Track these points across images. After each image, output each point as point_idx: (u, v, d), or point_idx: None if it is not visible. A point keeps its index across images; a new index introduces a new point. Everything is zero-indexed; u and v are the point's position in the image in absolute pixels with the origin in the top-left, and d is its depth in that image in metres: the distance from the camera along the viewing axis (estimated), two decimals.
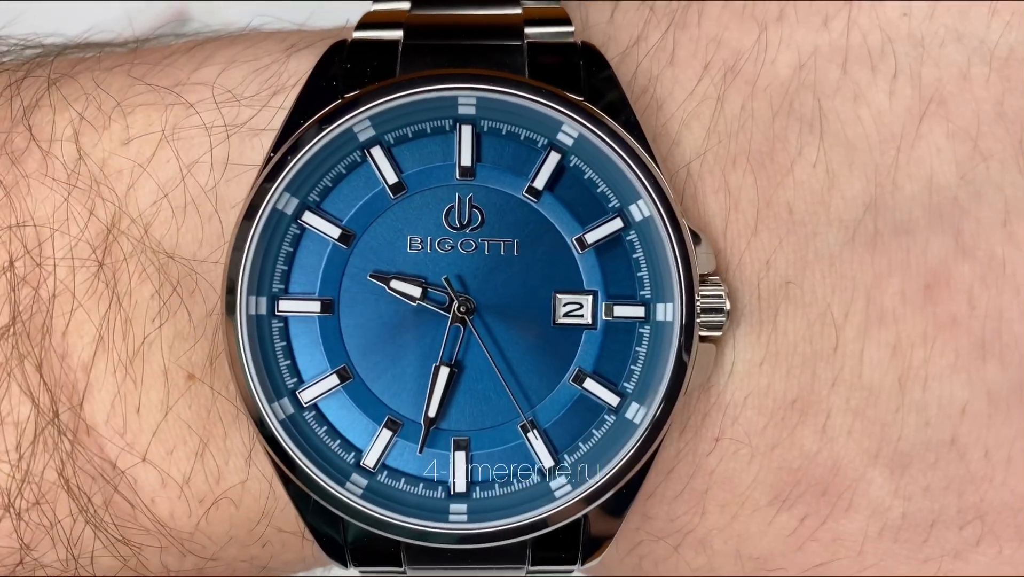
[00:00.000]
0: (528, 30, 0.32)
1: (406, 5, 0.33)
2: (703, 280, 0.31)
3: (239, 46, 0.34)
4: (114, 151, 0.33)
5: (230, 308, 0.31)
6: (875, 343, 0.32)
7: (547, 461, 0.31)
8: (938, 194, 0.32)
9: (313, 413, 0.31)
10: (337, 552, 0.32)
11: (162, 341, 0.32)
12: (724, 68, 0.33)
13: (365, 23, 0.33)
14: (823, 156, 0.33)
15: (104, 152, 0.33)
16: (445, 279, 0.32)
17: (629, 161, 0.31)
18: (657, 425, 0.31)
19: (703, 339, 0.32)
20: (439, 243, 0.31)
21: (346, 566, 0.33)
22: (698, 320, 0.32)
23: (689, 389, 0.32)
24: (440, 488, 0.31)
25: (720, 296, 0.31)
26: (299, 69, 0.33)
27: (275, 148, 0.31)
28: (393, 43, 0.32)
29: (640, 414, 0.31)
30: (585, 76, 0.32)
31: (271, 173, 0.31)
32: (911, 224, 0.32)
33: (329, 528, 0.32)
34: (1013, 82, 0.32)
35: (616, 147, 0.31)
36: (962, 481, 0.32)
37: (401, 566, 0.33)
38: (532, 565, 0.33)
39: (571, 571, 0.34)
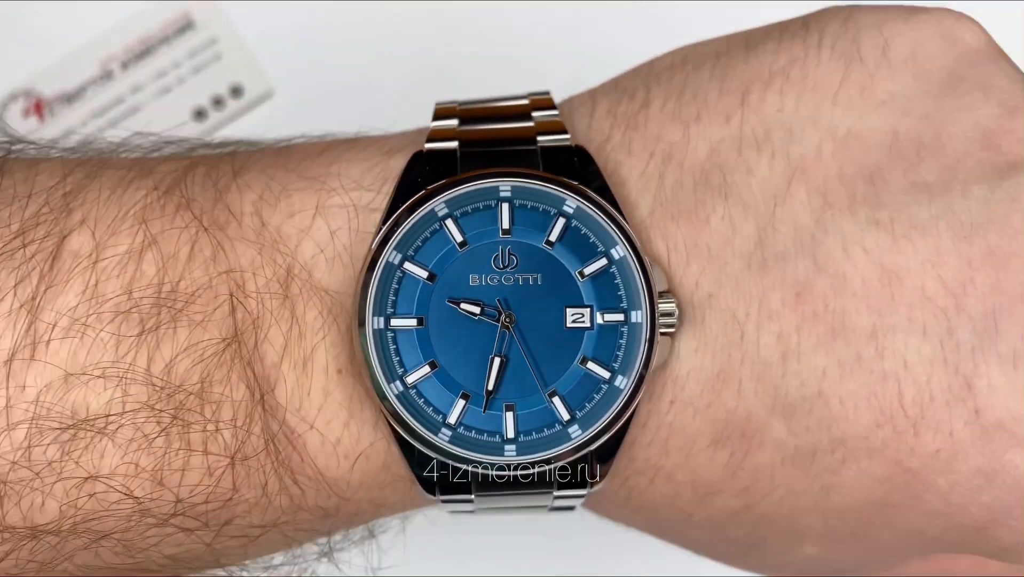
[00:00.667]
0: (539, 138, 0.40)
1: (455, 123, 0.40)
2: (661, 295, 0.39)
3: (354, 151, 0.40)
4: (284, 222, 0.38)
5: (361, 324, 0.38)
6: (766, 333, 0.38)
7: (565, 416, 0.39)
8: (801, 232, 0.38)
9: (415, 390, 0.39)
10: (429, 486, 0.39)
11: (325, 348, 0.38)
12: (663, 155, 0.39)
13: (432, 138, 0.40)
14: (728, 212, 0.39)
15: (278, 222, 0.38)
16: (498, 300, 0.38)
17: (608, 222, 0.39)
18: (635, 390, 0.39)
19: (662, 334, 0.39)
20: (490, 278, 0.39)
21: (434, 495, 0.39)
22: (658, 321, 0.38)
23: (653, 367, 0.38)
24: (497, 436, 0.39)
25: (672, 305, 0.38)
26: (396, 166, 0.40)
27: (384, 222, 0.39)
28: (453, 151, 0.40)
29: (624, 383, 0.39)
30: (579, 168, 0.39)
31: (384, 238, 0.39)
32: (785, 254, 0.38)
33: (423, 469, 0.39)
34: (849, 153, 0.38)
35: (600, 213, 0.39)
36: (829, 421, 0.37)
37: (471, 494, 0.39)
38: (558, 488, 0.39)
39: (583, 494, 0.39)
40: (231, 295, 0.37)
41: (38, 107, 0.59)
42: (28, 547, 0.35)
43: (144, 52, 0.61)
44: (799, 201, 0.38)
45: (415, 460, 0.38)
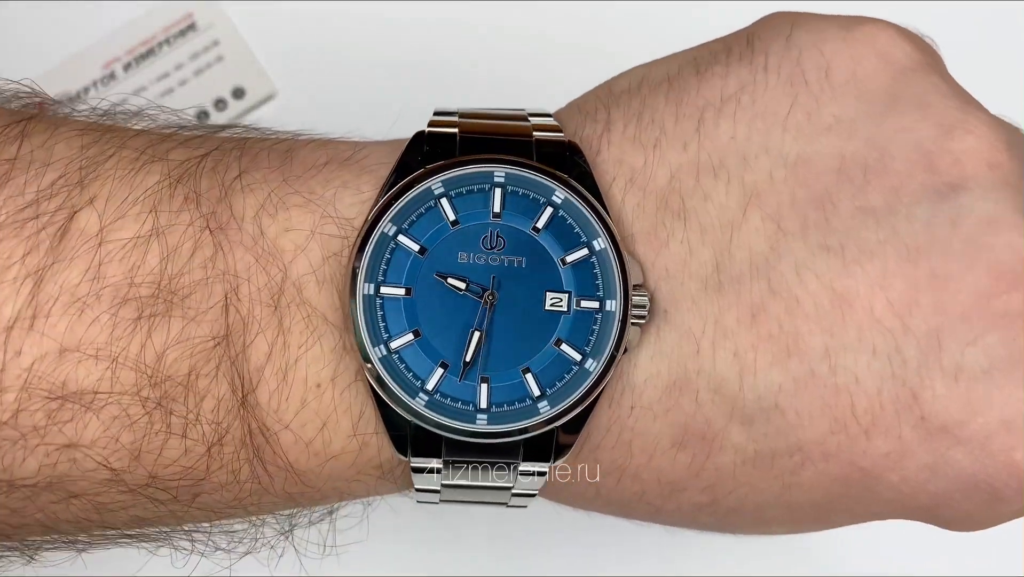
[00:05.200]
0: (535, 134, 0.40)
1: (455, 118, 0.41)
2: (635, 288, 0.39)
3: (352, 172, 0.40)
4: (281, 235, 0.39)
5: (352, 291, 0.39)
6: (722, 349, 0.38)
7: (536, 391, 0.40)
8: (757, 257, 0.38)
9: (397, 355, 0.40)
10: (402, 447, 0.39)
11: (306, 361, 0.39)
12: (625, 180, 0.40)
13: (434, 123, 0.41)
14: (686, 236, 0.39)
15: (275, 233, 0.39)
16: (493, 277, 0.39)
17: (592, 215, 0.40)
18: (603, 373, 0.39)
19: (633, 323, 0.39)
20: (477, 257, 0.40)
21: (406, 455, 0.39)
22: (631, 312, 0.39)
23: (621, 353, 0.39)
24: (471, 404, 0.40)
25: (644, 298, 0.39)
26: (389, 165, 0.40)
27: (382, 195, 0.39)
28: (453, 136, 0.40)
29: (593, 365, 0.39)
30: (570, 162, 0.40)
31: (381, 211, 0.39)
32: (740, 276, 0.38)
33: (399, 430, 0.39)
34: (799, 178, 0.38)
35: (585, 206, 0.40)
36: (786, 429, 0.38)
37: (440, 456, 0.39)
38: (523, 460, 0.40)
39: (545, 470, 0.40)
40: (226, 297, 0.37)
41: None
42: (3, 496, 0.36)
43: (146, 54, 0.60)
44: (754, 227, 0.38)
45: (390, 425, 0.39)
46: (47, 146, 0.36)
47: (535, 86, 0.49)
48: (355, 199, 0.40)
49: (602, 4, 0.61)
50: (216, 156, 0.39)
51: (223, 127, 0.42)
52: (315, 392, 0.38)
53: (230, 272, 0.37)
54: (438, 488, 0.40)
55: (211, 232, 0.37)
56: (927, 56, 0.38)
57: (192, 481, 0.37)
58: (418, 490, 0.40)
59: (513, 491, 0.41)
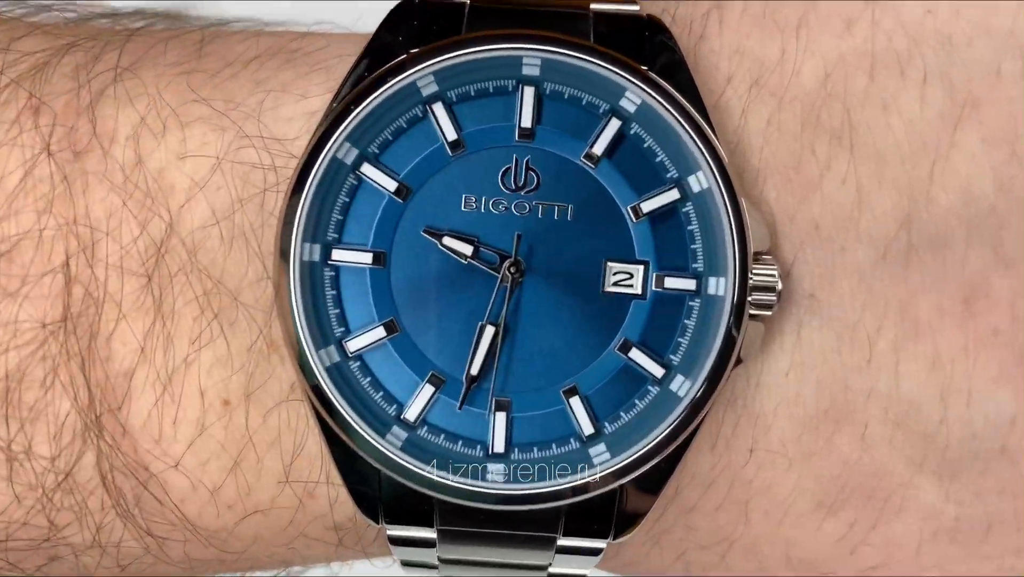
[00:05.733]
0: (594, 5, 0.33)
1: None
2: (757, 257, 0.32)
3: (296, 67, 0.34)
4: (170, 164, 0.33)
5: (284, 253, 0.31)
6: (911, 357, 0.32)
7: (587, 428, 0.32)
8: (975, 205, 0.32)
9: (358, 363, 0.32)
10: (371, 508, 0.32)
11: (200, 364, 0.33)
12: (747, 81, 0.33)
13: None
14: (852, 170, 0.33)
15: (160, 163, 0.33)
16: (518, 236, 0.32)
17: (691, 132, 0.31)
18: (702, 399, 0.31)
19: (752, 317, 0.32)
20: (493, 203, 0.32)
21: (378, 522, 0.33)
22: (750, 297, 0.31)
23: (733, 368, 0.32)
24: (479, 447, 0.32)
25: (773, 275, 0.31)
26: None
27: (338, 98, 0.32)
28: (460, 5, 0.33)
29: (685, 387, 0.32)
30: (649, 47, 0.32)
31: (334, 122, 0.31)
32: (947, 238, 0.32)
33: (364, 483, 0.32)
34: None
35: (679, 116, 0.31)
36: (1016, 486, 0.32)
37: (432, 526, 0.32)
38: (564, 534, 0.33)
39: (601, 548, 0.33)
40: (67, 260, 0.31)
41: None
42: None
43: None
44: (970, 154, 0.32)
45: (349, 462, 0.32)
46: None
47: None
48: (296, 109, 0.34)
49: None
50: (88, 48, 0.34)
51: (116, 13, 0.38)
52: (220, 413, 0.33)
53: (80, 221, 0.32)
54: (434, 563, 0.34)
55: (53, 157, 0.32)
56: None
57: (31, 542, 0.33)
58: (404, 564, 0.35)
59: (550, 570, 0.34)
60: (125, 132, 0.33)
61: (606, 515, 0.33)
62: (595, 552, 0.33)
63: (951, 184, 0.32)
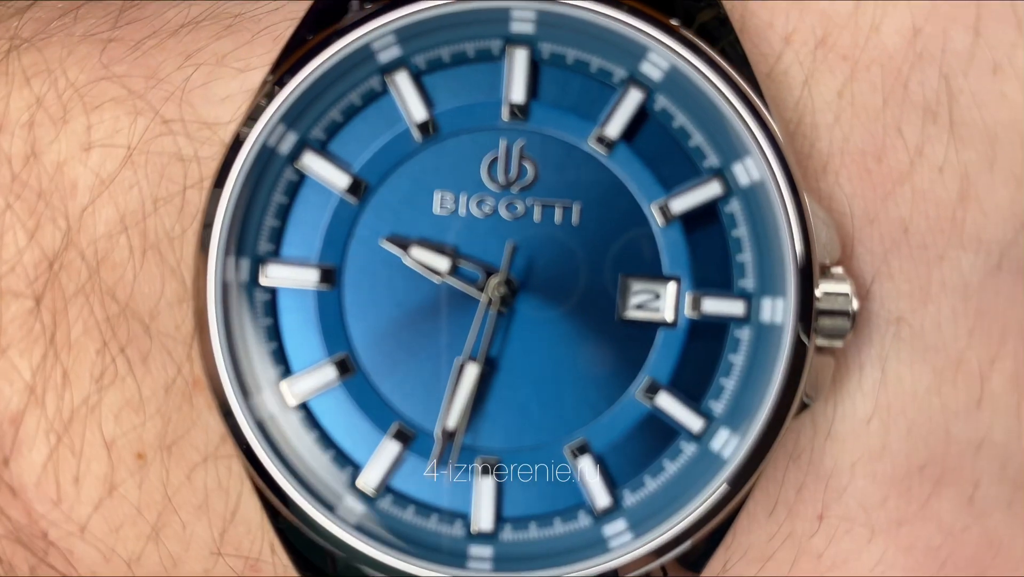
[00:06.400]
0: None
1: None
2: (825, 271, 0.26)
3: (234, 36, 0.30)
4: (71, 156, 0.30)
5: (203, 269, 0.26)
6: None
7: (601, 498, 0.26)
8: None
9: (302, 414, 0.27)
10: None
11: (103, 408, 0.29)
12: (813, 40, 0.29)
13: None
14: (953, 156, 0.28)
15: (59, 155, 0.30)
16: (512, 246, 0.27)
17: (737, 106, 0.26)
18: (752, 462, 0.26)
19: (820, 350, 0.26)
20: (476, 203, 0.27)
21: None
22: (816, 323, 0.26)
23: (793, 412, 0.27)
24: (459, 523, 0.26)
25: (846, 294, 0.26)
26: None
27: (274, 69, 0.26)
28: None
29: (731, 445, 0.26)
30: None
31: (265, 99, 0.26)
32: None
33: (316, 559, 0.27)
34: None
35: (720, 86, 0.26)
36: None
37: None
38: None
39: None
40: None
41: None
42: None
43: None
44: None
45: (293, 540, 0.28)
46: None
47: None
48: (233, 85, 0.29)
49: None
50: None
51: None
52: (132, 469, 0.29)
53: None
54: None
55: None
56: None
57: None
58: None
59: None
60: (17, 118, 0.29)
61: None
62: None
63: None
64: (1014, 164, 0.28)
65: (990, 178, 0.28)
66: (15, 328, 0.30)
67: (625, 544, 0.26)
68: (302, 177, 0.27)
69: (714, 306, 0.27)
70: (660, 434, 0.27)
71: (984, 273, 0.29)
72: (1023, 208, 0.29)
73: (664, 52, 0.26)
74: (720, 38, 0.27)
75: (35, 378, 0.30)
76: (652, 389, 0.27)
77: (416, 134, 0.27)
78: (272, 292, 0.27)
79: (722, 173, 0.26)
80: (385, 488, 0.27)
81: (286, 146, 0.26)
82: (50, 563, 0.31)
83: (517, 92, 0.27)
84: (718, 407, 0.26)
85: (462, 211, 0.27)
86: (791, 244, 0.26)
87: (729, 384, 0.26)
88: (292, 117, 0.26)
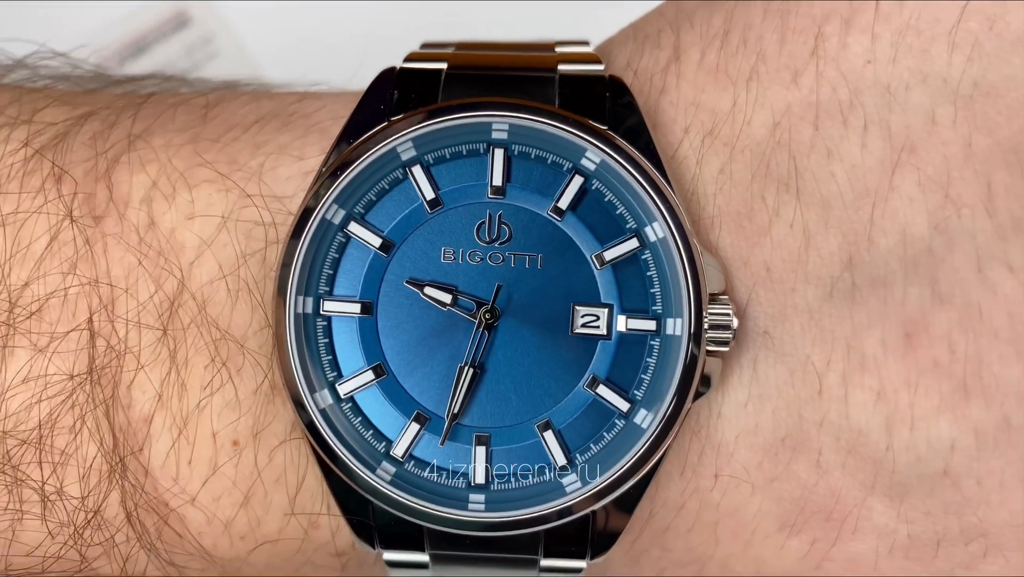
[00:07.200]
0: (561, 67, 0.34)
1: (449, 50, 0.35)
2: (712, 298, 0.32)
3: (294, 130, 0.35)
4: (180, 224, 0.34)
5: (280, 306, 0.32)
6: (859, 388, 0.32)
7: (560, 459, 0.33)
8: (913, 246, 0.32)
9: (349, 405, 0.33)
10: (368, 536, 0.33)
11: (211, 408, 0.33)
12: (702, 132, 0.34)
13: (412, 58, 0.34)
14: (799, 216, 0.33)
15: (171, 223, 0.34)
16: (497, 286, 0.33)
17: (646, 186, 0.32)
18: (663, 431, 0.32)
19: (710, 353, 0.32)
20: (470, 255, 0.33)
21: (374, 547, 0.34)
22: (706, 335, 0.32)
23: (691, 398, 0.33)
24: (461, 479, 0.33)
25: (728, 314, 0.32)
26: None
27: (327, 163, 0.33)
28: (437, 72, 0.34)
29: (648, 420, 0.32)
30: (610, 106, 0.33)
31: (323, 186, 0.33)
32: (888, 277, 0.32)
33: (360, 513, 0.33)
34: (979, 119, 0.32)
35: (635, 172, 0.32)
36: (960, 506, 0.33)
37: (424, 550, 0.33)
38: (545, 556, 0.34)
39: (581, 568, 0.34)
40: (90, 315, 0.33)
41: None
42: None
43: (140, 50, 0.61)
44: (907, 198, 0.32)
45: (344, 499, 0.34)
46: None
47: None
48: (294, 170, 0.34)
49: None
50: (104, 117, 0.35)
51: (130, 79, 0.39)
52: (230, 453, 0.34)
53: (102, 279, 0.33)
54: None
55: (75, 223, 0.33)
56: None
57: (63, 574, 0.33)
58: None
59: None
60: (139, 196, 0.34)
61: (582, 538, 0.33)
62: (576, 571, 0.34)
63: (890, 227, 0.32)
64: (840, 222, 0.33)
65: (825, 232, 0.33)
66: (148, 352, 0.33)
67: (577, 490, 0.32)
68: (348, 239, 0.33)
69: (635, 324, 0.33)
70: (600, 414, 0.33)
71: (822, 300, 0.33)
72: (847, 253, 0.33)
73: (596, 150, 0.33)
74: (639, 136, 0.33)
75: (162, 388, 0.33)
76: (594, 382, 0.33)
77: (427, 208, 0.33)
78: (328, 319, 0.33)
79: (639, 232, 0.33)
80: (409, 456, 0.33)
81: (337, 218, 0.33)
82: (171, 525, 0.34)
83: (497, 178, 0.33)
84: (639, 394, 0.33)
85: (460, 261, 0.33)
86: (687, 280, 0.32)
87: (647, 378, 0.33)
88: (343, 199, 0.33)
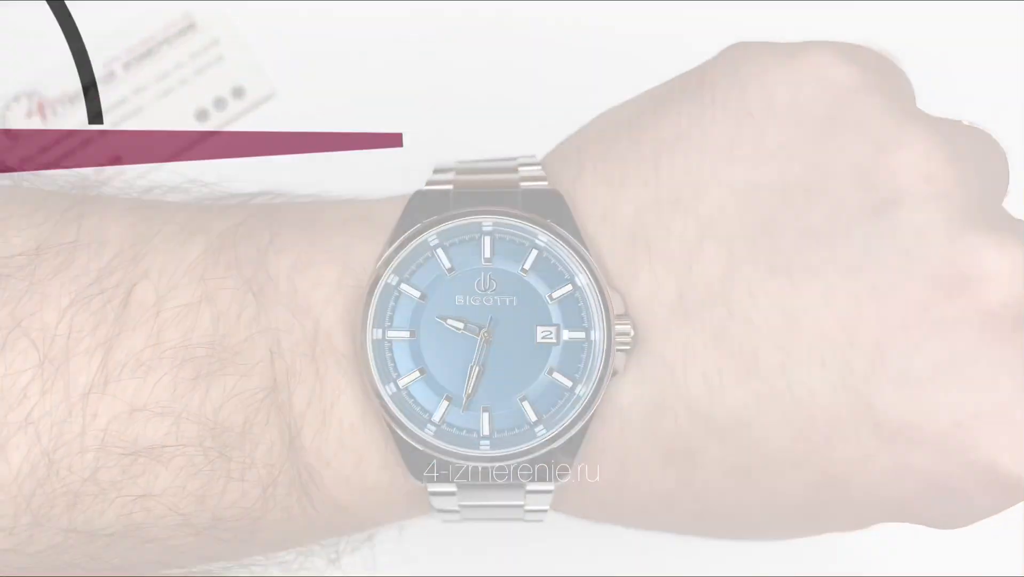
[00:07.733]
0: (522, 185, 0.42)
1: (451, 175, 0.43)
2: (618, 317, 0.40)
3: (367, 227, 0.42)
4: (312, 290, 0.41)
5: (364, 336, 0.41)
6: (693, 372, 0.40)
7: (533, 417, 0.42)
8: (713, 285, 0.40)
9: (406, 392, 0.42)
10: (419, 474, 0.41)
11: (341, 405, 0.41)
12: (598, 218, 0.42)
13: (430, 183, 0.43)
14: (652, 268, 0.41)
15: (307, 289, 0.41)
16: (490, 318, 0.42)
17: (572, 255, 0.42)
18: (592, 398, 0.41)
19: (619, 350, 0.40)
20: (473, 299, 0.42)
21: (423, 482, 0.41)
22: (617, 340, 0.40)
23: (608, 378, 0.40)
24: (475, 432, 0.42)
25: (627, 327, 0.40)
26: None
27: (386, 249, 0.41)
28: (447, 192, 0.43)
29: (583, 391, 0.41)
30: (551, 206, 0.42)
31: (384, 263, 0.42)
32: (702, 303, 0.40)
33: (415, 460, 0.41)
34: (747, 205, 0.39)
35: (566, 246, 0.42)
36: (755, 442, 0.40)
37: (451, 481, 0.41)
38: (529, 483, 0.41)
39: (550, 489, 0.42)
40: (270, 351, 0.39)
41: (40, 108, 0.58)
42: (86, 546, 0.38)
43: (146, 53, 0.60)
44: (710, 256, 0.39)
45: (406, 455, 0.41)
46: (101, 226, 0.39)
47: (534, 88, 0.49)
48: (369, 253, 0.42)
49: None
50: (250, 224, 0.42)
51: (253, 195, 0.45)
52: (350, 432, 0.41)
53: (272, 327, 0.39)
54: (457, 509, 0.42)
55: (253, 293, 0.40)
56: (870, 75, 0.39)
57: (251, 520, 0.40)
58: (439, 511, 0.43)
59: (525, 508, 0.42)
60: (284, 273, 0.41)
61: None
62: (547, 492, 0.42)
63: (701, 272, 0.40)
64: (678, 273, 0.40)
65: (666, 276, 0.40)
66: (300, 372, 0.40)
67: (543, 436, 0.41)
68: (400, 292, 0.41)
69: (573, 335, 0.41)
70: (556, 390, 0.41)
71: (668, 318, 0.40)
72: (678, 288, 0.40)
73: (544, 233, 0.41)
74: (568, 223, 0.41)
75: (311, 394, 0.41)
76: (551, 371, 0.41)
77: (447, 273, 0.42)
78: (390, 342, 0.41)
79: (572, 280, 0.41)
80: (443, 420, 0.41)
81: (393, 281, 0.41)
82: (315, 483, 0.41)
83: (487, 253, 0.42)
84: (578, 376, 0.41)
85: (467, 303, 0.42)
86: (601, 308, 0.41)
87: (582, 366, 0.41)
88: (398, 270, 0.42)
